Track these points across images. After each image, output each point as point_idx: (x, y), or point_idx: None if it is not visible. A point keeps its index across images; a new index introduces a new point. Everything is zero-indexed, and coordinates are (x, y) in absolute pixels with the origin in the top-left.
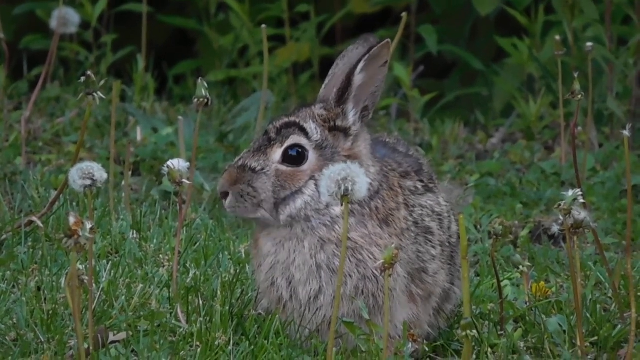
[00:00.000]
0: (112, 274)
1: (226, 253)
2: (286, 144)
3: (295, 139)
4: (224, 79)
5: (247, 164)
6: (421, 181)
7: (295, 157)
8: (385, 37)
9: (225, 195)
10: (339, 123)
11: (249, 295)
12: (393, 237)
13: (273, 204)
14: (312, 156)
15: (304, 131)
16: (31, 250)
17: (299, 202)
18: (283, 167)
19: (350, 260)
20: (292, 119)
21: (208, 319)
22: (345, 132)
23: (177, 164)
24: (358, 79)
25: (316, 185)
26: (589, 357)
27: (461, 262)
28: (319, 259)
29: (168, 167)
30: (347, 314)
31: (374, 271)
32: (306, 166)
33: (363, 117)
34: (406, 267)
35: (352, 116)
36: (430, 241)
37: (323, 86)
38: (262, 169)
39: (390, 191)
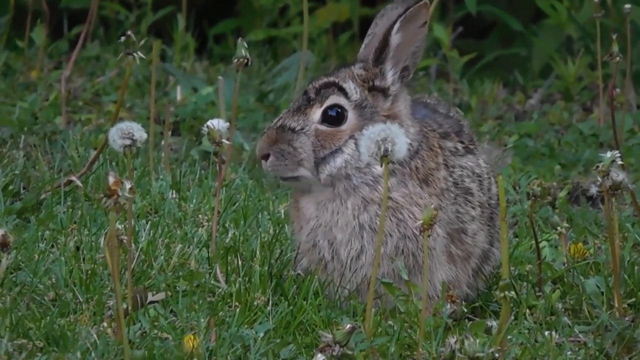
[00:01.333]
0: (151, 234)
1: (265, 213)
2: (325, 104)
3: (335, 99)
4: (264, 39)
5: (287, 124)
6: (461, 142)
7: (334, 117)
8: None
9: (265, 157)
10: (377, 83)
11: (288, 255)
12: (432, 196)
13: (313, 163)
14: (351, 116)
15: (343, 91)
16: (70, 209)
17: (339, 161)
18: (323, 127)
19: (390, 220)
20: (332, 79)
21: (247, 279)
22: (384, 92)
23: (217, 123)
24: (395, 39)
25: (356, 144)
26: (627, 318)
27: (500, 223)
28: (361, 219)
29: (208, 127)
30: (386, 274)
31: (414, 230)
32: (345, 126)
33: (403, 77)
34: (445, 227)
35: (390, 76)
36: (469, 202)
37: (363, 46)
38: (302, 128)
39: (430, 151)
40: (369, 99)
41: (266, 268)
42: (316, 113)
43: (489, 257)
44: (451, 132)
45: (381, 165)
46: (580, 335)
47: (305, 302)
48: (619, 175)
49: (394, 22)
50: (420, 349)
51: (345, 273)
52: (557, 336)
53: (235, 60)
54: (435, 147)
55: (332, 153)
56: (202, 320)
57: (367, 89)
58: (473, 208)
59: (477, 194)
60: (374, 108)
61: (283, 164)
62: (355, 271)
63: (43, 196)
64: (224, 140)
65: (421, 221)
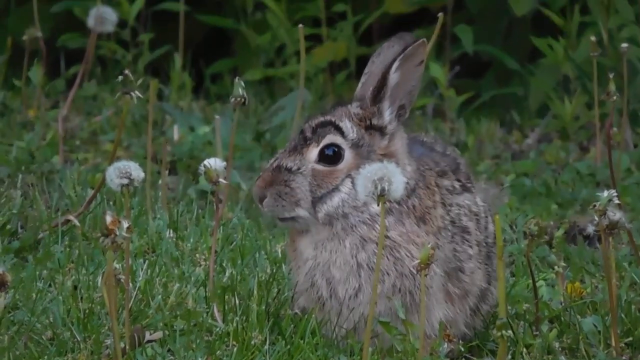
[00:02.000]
0: (149, 273)
1: (262, 252)
2: (322, 144)
3: (331, 138)
4: (260, 78)
5: (283, 164)
6: (458, 180)
7: (331, 156)
8: (421, 37)
9: (262, 199)
10: (375, 122)
11: (285, 294)
12: (430, 235)
13: (311, 203)
14: (348, 155)
15: (339, 130)
16: (68, 249)
17: (336, 200)
18: (319, 167)
19: (388, 258)
20: (328, 117)
21: (244, 318)
22: (381, 130)
23: (214, 163)
24: (393, 77)
25: (353, 182)
26: (624, 357)
27: (497, 262)
28: (359, 257)
29: (205, 166)
30: (384, 313)
31: (411, 269)
32: (342, 165)
33: (399, 115)
34: (443, 266)
35: (388, 115)
36: (467, 240)
37: (359, 84)
38: (299, 168)
39: (426, 190)
40: (366, 137)
41: (263, 307)
42: (313, 152)
43: (487, 296)
44: (448, 171)
45: (378, 205)
46: None
47: (302, 341)
48: (615, 215)
49: (393, 61)
50: None
51: (343, 311)
52: None
53: (232, 99)
54: (432, 186)
55: (329, 192)
56: (200, 359)
57: (364, 127)
58: (470, 247)
59: (474, 233)
60: (370, 147)
61: (280, 205)
62: (353, 309)
63: (41, 235)
64: (220, 180)
65: (418, 260)
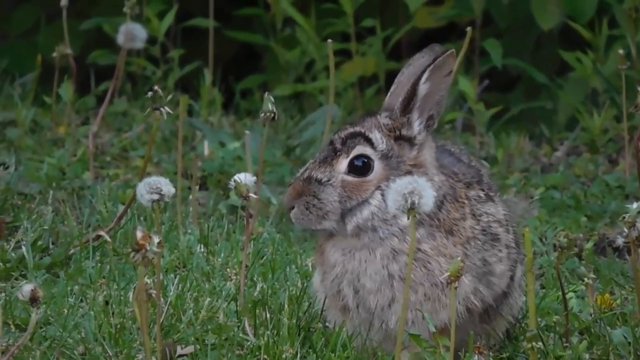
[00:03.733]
0: (180, 288)
1: (293, 266)
2: (352, 155)
3: (361, 149)
4: (290, 94)
5: (313, 175)
6: (482, 190)
7: (361, 167)
8: (450, 48)
9: (291, 209)
10: (404, 132)
11: (316, 308)
12: (457, 245)
13: (340, 215)
14: (377, 166)
15: (369, 141)
16: (99, 264)
17: (366, 213)
18: (349, 178)
19: (421, 270)
20: (358, 129)
21: (275, 332)
22: (411, 141)
23: (244, 177)
24: (423, 88)
25: (382, 195)
26: None
27: (526, 275)
28: (391, 269)
29: (235, 181)
30: (416, 322)
31: (441, 280)
32: (372, 176)
33: (428, 126)
34: (472, 274)
35: (417, 125)
36: (496, 246)
37: (388, 94)
38: (328, 180)
39: (455, 202)
40: (395, 148)
41: (294, 321)
42: (342, 164)
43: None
44: (473, 182)
45: (408, 218)
46: None
47: (333, 354)
48: None
49: (423, 71)
50: None
51: (374, 322)
52: None
53: (262, 114)
54: (461, 198)
55: (358, 204)
56: None
57: (394, 138)
58: (500, 250)
59: (503, 238)
60: (400, 158)
61: (307, 218)
62: (384, 320)
63: (72, 251)
64: (251, 194)
65: (448, 272)
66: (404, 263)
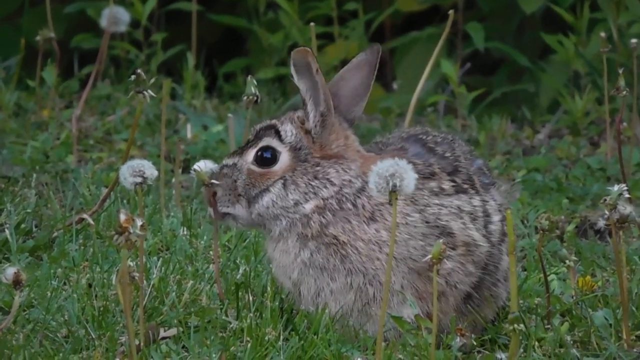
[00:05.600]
0: (163, 271)
1: None
2: (259, 146)
3: (267, 141)
4: (273, 77)
5: (226, 162)
6: (453, 181)
7: (265, 158)
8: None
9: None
10: (306, 126)
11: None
12: (382, 231)
13: (247, 202)
14: (285, 157)
15: (278, 134)
16: (82, 247)
17: (266, 200)
18: (254, 167)
19: (332, 256)
20: (273, 121)
21: (258, 314)
22: (310, 134)
23: (204, 165)
24: (299, 84)
25: (284, 185)
26: (635, 350)
27: (509, 257)
28: (303, 256)
29: (195, 170)
30: (345, 311)
31: (359, 266)
32: (277, 167)
33: (323, 121)
34: (407, 263)
35: (312, 119)
36: (447, 242)
37: None
38: (235, 164)
39: None
40: (304, 140)
41: (277, 303)
42: (250, 154)
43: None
44: (439, 172)
45: (390, 201)
46: None
47: (316, 337)
48: (626, 209)
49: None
50: None
51: (311, 310)
52: None
53: (245, 97)
54: None
55: (260, 192)
56: (214, 355)
57: (304, 131)
58: (453, 248)
59: (459, 233)
60: (308, 149)
61: (222, 199)
62: (318, 308)
63: (55, 234)
64: (213, 181)
65: (430, 256)
66: (314, 249)
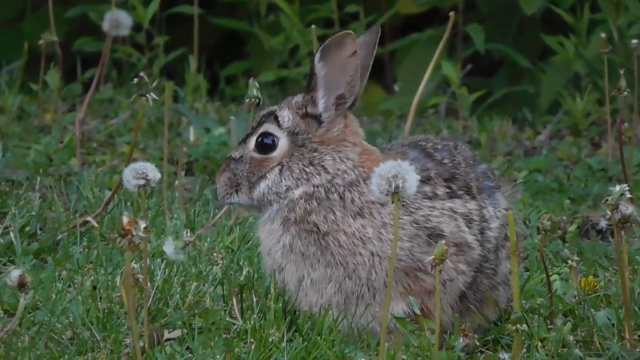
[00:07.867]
0: (167, 273)
1: None
2: (258, 132)
3: (266, 127)
4: (274, 79)
5: (231, 154)
6: (448, 187)
7: (265, 144)
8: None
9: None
10: (309, 110)
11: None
12: (368, 227)
13: (248, 189)
14: (283, 143)
15: (276, 119)
16: (86, 249)
17: (262, 186)
18: (255, 154)
19: (312, 245)
20: (273, 108)
21: (262, 316)
22: (317, 119)
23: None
24: (319, 67)
25: (281, 170)
26: (638, 349)
27: (511, 258)
28: (284, 240)
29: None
30: (324, 304)
31: (339, 258)
32: (276, 153)
33: (338, 105)
34: (395, 262)
35: (322, 103)
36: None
37: None
38: (241, 156)
39: None
40: (301, 125)
41: (280, 304)
42: (251, 141)
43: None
44: (435, 177)
45: (392, 202)
46: None
47: (319, 338)
48: (627, 209)
49: (316, 52)
50: None
51: (298, 296)
52: None
53: (247, 100)
54: None
55: (259, 179)
56: (218, 356)
57: (301, 116)
58: None
59: (450, 235)
60: (306, 134)
61: (224, 191)
62: (299, 296)
63: (59, 237)
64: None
65: (432, 256)
66: (295, 234)
